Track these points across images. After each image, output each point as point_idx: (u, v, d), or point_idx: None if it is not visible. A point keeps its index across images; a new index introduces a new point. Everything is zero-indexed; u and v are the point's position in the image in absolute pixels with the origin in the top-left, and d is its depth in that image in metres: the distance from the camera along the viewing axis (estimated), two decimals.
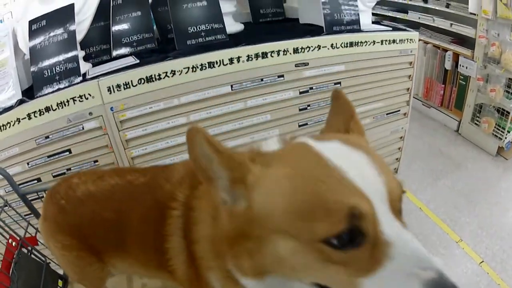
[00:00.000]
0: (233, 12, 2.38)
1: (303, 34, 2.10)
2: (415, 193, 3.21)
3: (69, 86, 1.79)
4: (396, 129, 2.73)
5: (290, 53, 2.02)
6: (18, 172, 1.88)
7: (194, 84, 1.90)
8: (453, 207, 3.01)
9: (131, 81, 1.80)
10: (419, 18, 4.63)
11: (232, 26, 2.33)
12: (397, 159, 2.94)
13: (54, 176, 1.91)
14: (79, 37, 1.96)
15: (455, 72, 4.28)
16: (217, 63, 1.89)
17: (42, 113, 1.77)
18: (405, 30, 2.57)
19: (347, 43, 2.18)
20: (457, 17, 4.14)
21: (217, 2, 2.11)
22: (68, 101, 1.77)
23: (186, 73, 1.87)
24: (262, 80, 2.01)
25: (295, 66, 2.07)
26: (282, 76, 2.06)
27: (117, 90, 1.80)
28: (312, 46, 2.06)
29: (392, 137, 2.76)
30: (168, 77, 1.85)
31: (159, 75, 1.83)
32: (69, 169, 1.91)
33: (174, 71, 1.85)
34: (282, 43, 1.99)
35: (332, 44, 2.13)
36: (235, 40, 2.10)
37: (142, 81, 1.82)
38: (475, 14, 3.77)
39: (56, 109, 1.77)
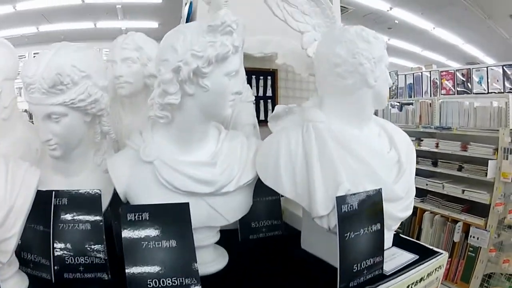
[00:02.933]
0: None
1: None
2: None
3: None
4: None
5: None
6: None
7: None
8: None
9: None
10: (426, 184, 4.28)
11: (209, 264, 1.72)
12: None
13: None
14: (4, 258, 1.41)
15: (464, 243, 3.92)
16: None
17: None
18: (432, 252, 2.00)
19: None
20: (470, 180, 3.86)
21: (190, 239, 1.48)
22: None
23: None
24: None
25: None
26: None
27: None
28: None
29: None
30: None
31: None
32: None
33: None
34: None
35: None
36: None
37: None
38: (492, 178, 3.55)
39: None
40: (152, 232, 1.46)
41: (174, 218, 1.48)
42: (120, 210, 1.49)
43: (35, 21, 9.42)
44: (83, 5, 8.44)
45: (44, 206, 1.57)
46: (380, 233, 1.65)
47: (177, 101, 1.47)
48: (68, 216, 1.61)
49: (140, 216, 1.46)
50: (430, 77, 7.13)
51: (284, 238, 2.13)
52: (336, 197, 1.51)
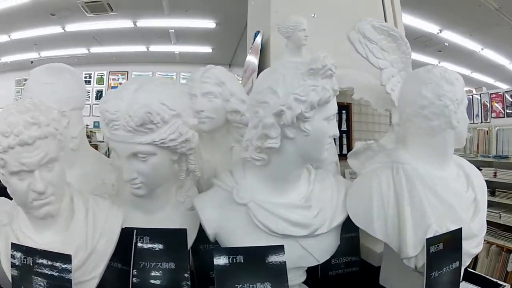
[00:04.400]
0: None
1: None
2: None
3: None
4: None
5: None
6: None
7: None
8: None
9: None
10: None
11: None
12: None
13: None
14: None
15: None
16: None
17: None
18: (496, 285, 2.07)
19: None
20: None
21: (285, 281, 1.43)
22: None
23: None
24: None
25: None
26: None
27: None
28: None
29: None
30: None
31: None
32: None
33: None
34: None
35: None
36: None
37: None
38: None
39: None
40: (246, 275, 1.42)
41: (269, 261, 1.45)
42: (212, 251, 1.45)
43: (86, 42, 9.66)
44: (135, 29, 8.64)
45: (124, 243, 1.54)
46: (458, 270, 1.66)
47: (277, 145, 1.43)
48: (151, 255, 1.55)
49: (235, 259, 1.41)
50: (481, 100, 6.92)
51: (362, 275, 2.13)
52: (426, 239, 1.53)
